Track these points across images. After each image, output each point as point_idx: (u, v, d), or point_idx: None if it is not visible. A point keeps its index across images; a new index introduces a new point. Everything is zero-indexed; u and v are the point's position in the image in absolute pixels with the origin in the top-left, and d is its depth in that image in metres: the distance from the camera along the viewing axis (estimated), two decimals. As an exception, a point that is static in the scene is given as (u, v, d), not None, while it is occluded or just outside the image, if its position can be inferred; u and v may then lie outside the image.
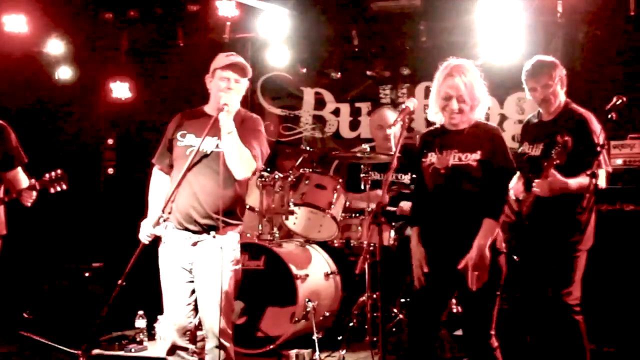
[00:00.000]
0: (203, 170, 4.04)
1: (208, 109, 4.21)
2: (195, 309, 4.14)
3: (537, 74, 4.40)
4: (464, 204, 3.74)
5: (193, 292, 4.12)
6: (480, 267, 3.62)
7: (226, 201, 4.05)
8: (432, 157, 3.85)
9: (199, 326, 4.29)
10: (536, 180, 4.17)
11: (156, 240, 4.19)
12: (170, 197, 4.05)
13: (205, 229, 4.05)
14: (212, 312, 4.02)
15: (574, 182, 4.14)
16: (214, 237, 4.03)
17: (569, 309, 4.28)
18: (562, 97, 4.44)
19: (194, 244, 4.08)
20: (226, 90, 4.06)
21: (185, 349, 4.16)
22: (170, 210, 4.11)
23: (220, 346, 4.04)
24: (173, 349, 4.17)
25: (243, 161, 3.98)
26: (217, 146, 4.04)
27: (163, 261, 4.17)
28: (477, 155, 3.74)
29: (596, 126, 4.26)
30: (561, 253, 4.27)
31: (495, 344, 3.77)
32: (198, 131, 4.10)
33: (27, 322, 6.18)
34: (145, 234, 4.12)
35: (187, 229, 4.08)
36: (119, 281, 4.03)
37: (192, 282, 4.11)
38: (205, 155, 4.05)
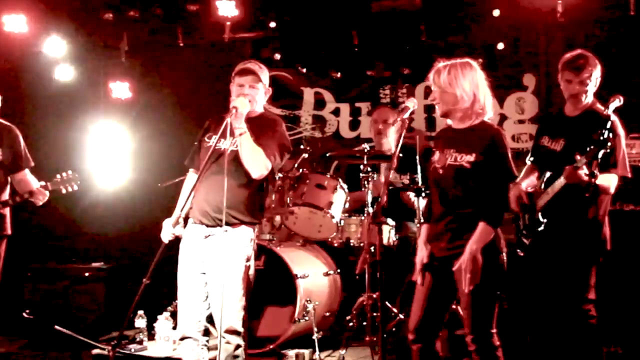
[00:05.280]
0: (218, 168, 4.16)
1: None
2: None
3: (580, 68, 4.33)
4: (455, 205, 3.73)
5: (206, 285, 4.22)
6: (471, 270, 3.61)
7: (238, 197, 4.18)
8: (435, 156, 3.85)
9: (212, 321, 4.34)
10: (577, 161, 4.08)
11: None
12: (189, 195, 4.21)
13: (218, 222, 4.15)
14: (218, 306, 4.10)
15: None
16: (225, 230, 4.12)
17: (586, 314, 4.28)
18: (590, 97, 4.40)
19: (206, 237, 4.20)
20: (238, 95, 4.28)
21: (195, 340, 4.26)
22: (190, 206, 4.29)
23: (226, 342, 4.12)
24: (183, 338, 4.29)
25: (257, 160, 4.16)
26: (234, 144, 4.17)
27: (180, 255, 4.30)
28: (471, 157, 3.68)
29: (620, 130, 4.26)
30: (580, 259, 4.26)
31: (497, 342, 3.75)
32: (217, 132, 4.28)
33: (28, 321, 6.17)
34: (166, 234, 4.26)
35: (202, 223, 4.24)
36: (144, 279, 4.05)
37: (204, 275, 4.21)
38: (222, 154, 4.17)
